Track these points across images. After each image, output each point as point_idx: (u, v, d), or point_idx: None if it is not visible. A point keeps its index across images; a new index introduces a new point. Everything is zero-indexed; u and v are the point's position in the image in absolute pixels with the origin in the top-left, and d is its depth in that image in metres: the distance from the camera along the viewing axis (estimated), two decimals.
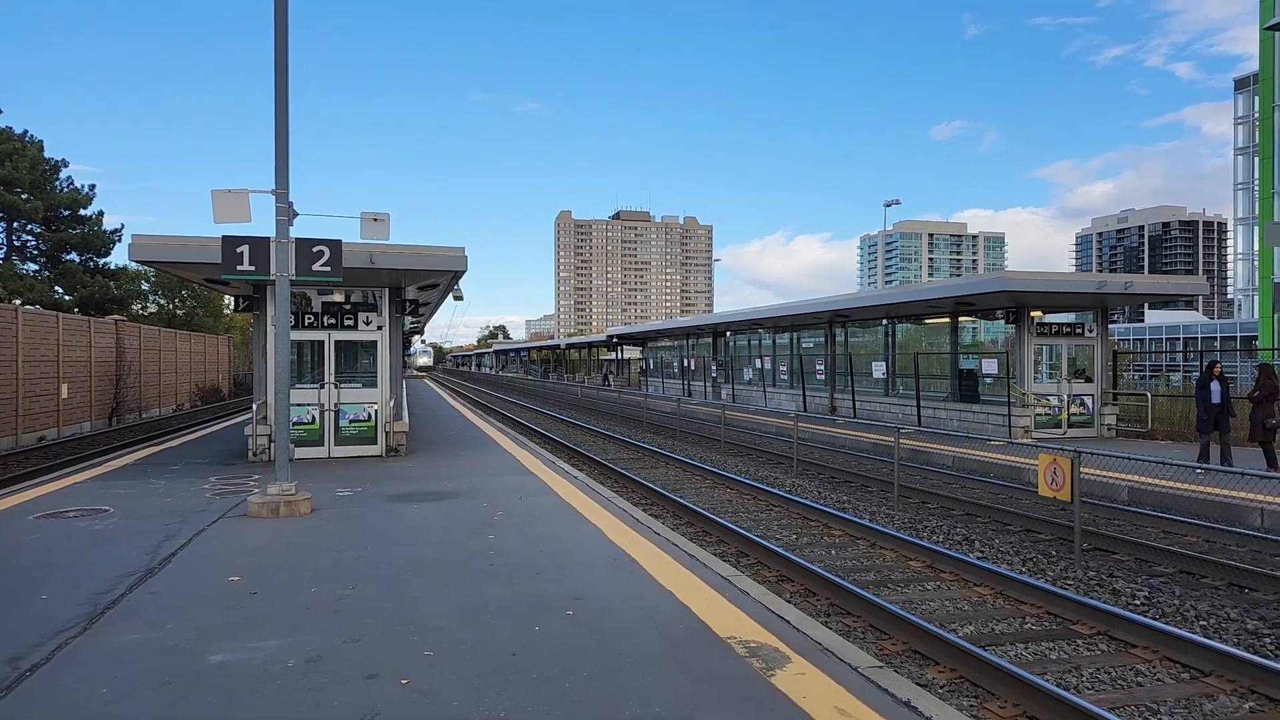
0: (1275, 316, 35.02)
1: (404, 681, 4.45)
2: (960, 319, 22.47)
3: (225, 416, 27.58)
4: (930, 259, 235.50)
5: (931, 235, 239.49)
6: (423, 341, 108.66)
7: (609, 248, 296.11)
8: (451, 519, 8.95)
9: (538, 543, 7.77)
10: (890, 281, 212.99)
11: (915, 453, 16.69)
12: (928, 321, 24.32)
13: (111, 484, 11.33)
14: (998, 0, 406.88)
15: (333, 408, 14.11)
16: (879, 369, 24.78)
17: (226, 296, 21.33)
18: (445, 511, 9.37)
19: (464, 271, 13.70)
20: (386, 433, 14.33)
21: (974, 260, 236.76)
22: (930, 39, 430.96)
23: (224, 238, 9.16)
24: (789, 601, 7.19)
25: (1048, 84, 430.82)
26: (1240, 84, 61.66)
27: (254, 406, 14.13)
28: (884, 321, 25.29)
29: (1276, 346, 33.75)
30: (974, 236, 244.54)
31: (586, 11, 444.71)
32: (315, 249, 9.43)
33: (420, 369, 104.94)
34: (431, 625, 5.38)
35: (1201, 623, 6.97)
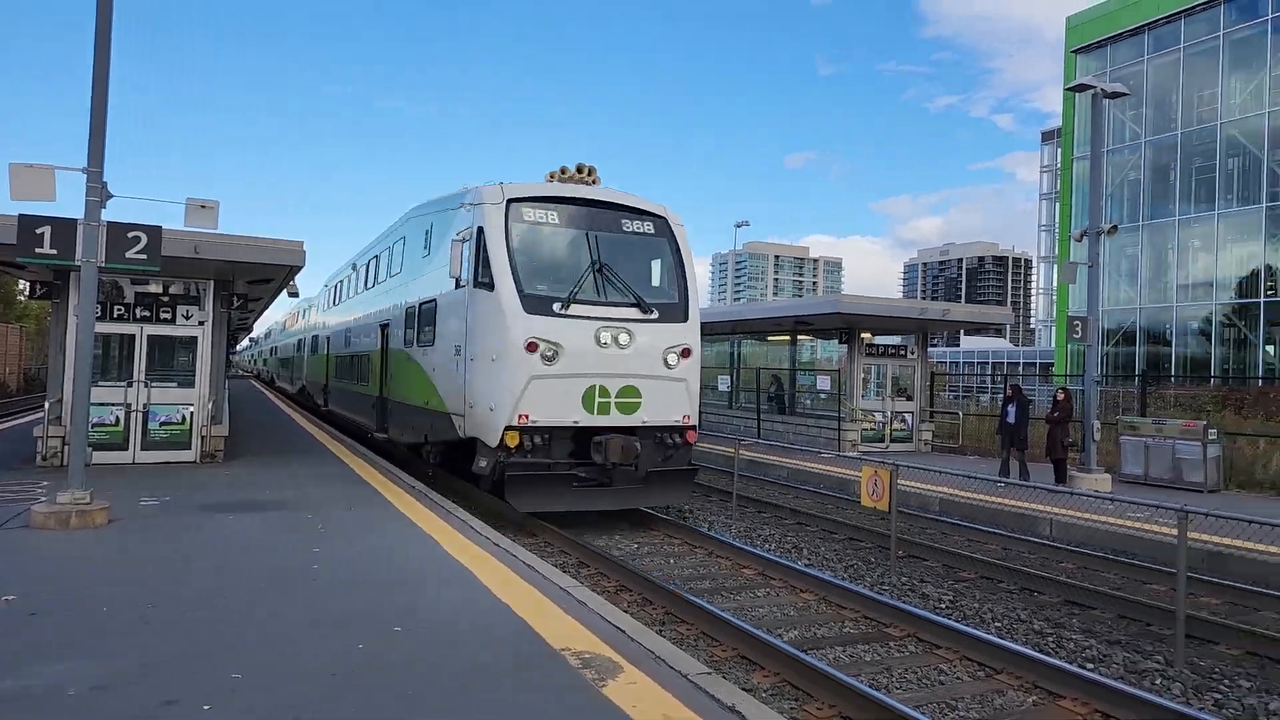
0: (1069, 346, 39.11)
1: (206, 708, 4.10)
2: (799, 337, 23.61)
3: (13, 415, 24.65)
4: (775, 279, 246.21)
5: (777, 257, 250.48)
6: None
7: None
8: (273, 530, 8.39)
9: (368, 555, 7.43)
10: (739, 299, 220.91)
11: (753, 463, 17.31)
12: (770, 339, 25.34)
13: None
14: (849, 43, 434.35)
15: (141, 408, 12.91)
16: (724, 382, 25.58)
17: (21, 281, 19.18)
18: (266, 523, 8.78)
19: (301, 267, 12.95)
20: (203, 437, 13.27)
21: (814, 283, 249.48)
22: (788, 75, 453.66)
23: (20, 216, 8.20)
24: (626, 611, 7.21)
25: (890, 124, 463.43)
26: (1046, 136, 68.78)
27: (47, 405, 12.71)
28: (730, 337, 26.17)
29: (1070, 373, 37.64)
30: (815, 260, 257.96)
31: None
32: (130, 234, 8.59)
33: None
34: (242, 644, 5.00)
35: (996, 624, 7.61)
